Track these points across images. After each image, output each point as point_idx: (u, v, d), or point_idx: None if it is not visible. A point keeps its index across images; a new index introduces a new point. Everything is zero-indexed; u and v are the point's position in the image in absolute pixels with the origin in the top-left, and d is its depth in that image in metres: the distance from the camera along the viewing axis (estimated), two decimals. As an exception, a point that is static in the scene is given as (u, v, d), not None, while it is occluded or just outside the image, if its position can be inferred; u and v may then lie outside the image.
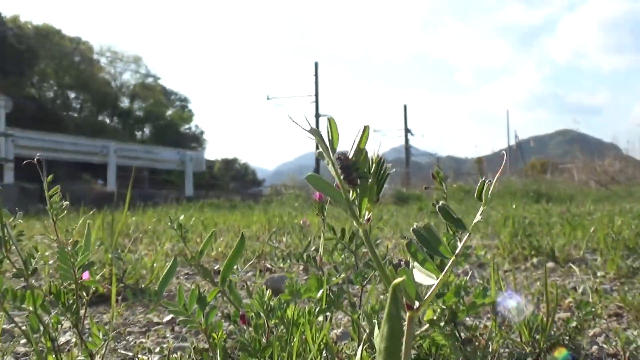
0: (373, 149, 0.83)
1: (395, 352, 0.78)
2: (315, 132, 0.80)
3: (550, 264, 4.79)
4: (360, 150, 0.80)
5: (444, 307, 1.90)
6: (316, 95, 50.26)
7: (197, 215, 11.20)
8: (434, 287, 0.79)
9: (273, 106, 51.25)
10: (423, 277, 0.80)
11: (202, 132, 74.08)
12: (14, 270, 1.86)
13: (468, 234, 0.82)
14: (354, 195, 0.81)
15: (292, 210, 12.82)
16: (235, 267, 2.11)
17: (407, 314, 0.80)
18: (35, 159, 1.83)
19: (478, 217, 0.80)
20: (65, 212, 2.02)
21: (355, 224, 0.83)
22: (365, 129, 0.80)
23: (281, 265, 5.05)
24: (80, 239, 1.85)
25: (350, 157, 0.81)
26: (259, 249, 5.61)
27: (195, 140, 70.37)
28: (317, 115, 48.66)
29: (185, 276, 4.76)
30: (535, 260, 4.97)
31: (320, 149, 0.81)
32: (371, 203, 0.81)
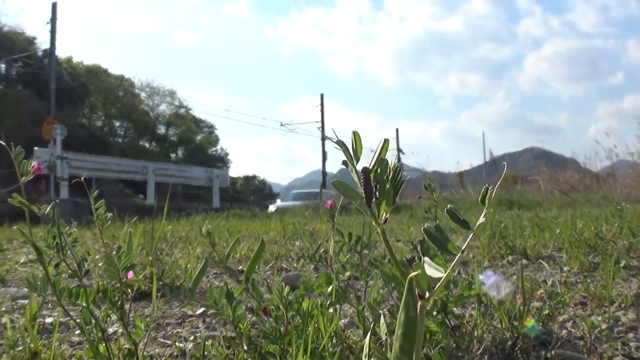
0: (391, 159, 0.81)
1: (410, 337, 0.77)
2: (341, 143, 0.79)
3: (523, 261, 4.77)
4: (382, 160, 0.79)
5: (436, 298, 1.89)
6: (322, 121, 50.38)
7: (224, 223, 11.20)
8: (442, 279, 0.77)
9: (286, 131, 51.68)
10: (433, 270, 0.78)
11: (227, 154, 74.27)
12: (70, 271, 1.84)
13: (472, 233, 0.80)
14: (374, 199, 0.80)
15: (303, 219, 12.82)
16: (257, 267, 2.09)
17: (419, 302, 0.78)
18: (82, 178, 1.82)
19: (482, 220, 0.78)
20: (111, 222, 2.00)
21: (374, 224, 0.81)
22: (385, 141, 0.79)
23: (295, 265, 5.02)
24: (124, 244, 1.83)
25: (371, 167, 0.80)
26: (276, 252, 5.60)
27: (221, 161, 70.52)
28: (324, 139, 48.77)
29: (214, 275, 4.74)
30: (510, 258, 4.96)
31: (346, 159, 0.80)
32: (389, 206, 0.79)
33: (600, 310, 3.06)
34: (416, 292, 0.78)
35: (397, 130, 63.16)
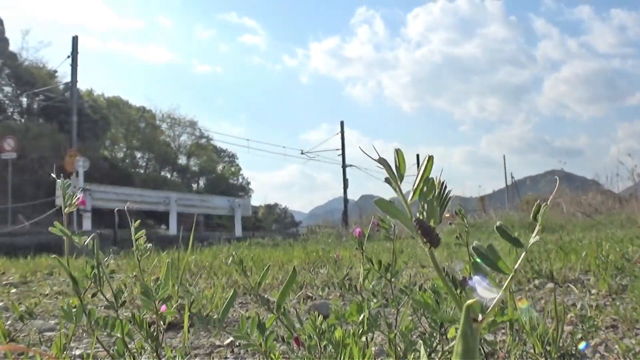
0: (436, 175, 0.81)
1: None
2: (383, 161, 0.78)
3: (550, 285, 4.74)
4: (427, 179, 0.78)
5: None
6: (342, 149, 50.38)
7: (247, 252, 11.20)
8: (495, 300, 0.77)
9: (307, 159, 51.72)
10: (484, 291, 0.77)
11: (248, 183, 74.38)
12: (105, 302, 1.85)
13: (525, 251, 0.80)
14: (421, 217, 0.79)
15: (325, 246, 12.79)
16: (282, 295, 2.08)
17: (475, 325, 0.77)
18: (116, 210, 1.83)
19: (535, 238, 0.77)
20: (133, 253, 2.01)
21: (422, 245, 0.80)
22: (430, 158, 0.78)
23: (321, 293, 5.00)
24: (160, 276, 1.83)
25: (415, 186, 0.79)
26: (301, 280, 5.58)
27: (242, 190, 70.61)
28: (344, 166, 48.79)
29: (239, 304, 4.73)
30: (537, 282, 4.93)
31: (389, 177, 0.79)
32: (435, 224, 0.78)
33: (632, 332, 3.03)
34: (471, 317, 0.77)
35: (417, 156, 62.93)
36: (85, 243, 1.81)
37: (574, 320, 3.23)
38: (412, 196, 0.79)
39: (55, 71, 49.99)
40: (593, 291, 4.34)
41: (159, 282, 1.74)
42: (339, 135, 51.07)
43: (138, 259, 1.90)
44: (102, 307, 4.00)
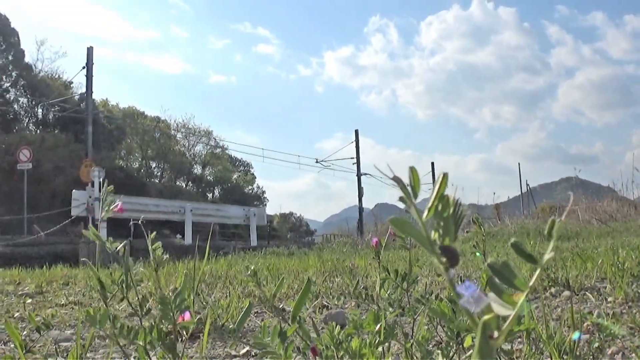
0: (451, 193, 0.81)
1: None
2: (398, 179, 0.79)
3: (566, 293, 4.72)
4: (442, 196, 0.79)
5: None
6: (357, 157, 50.38)
7: (262, 261, 11.22)
8: (511, 316, 0.77)
9: (321, 168, 51.73)
10: (500, 308, 0.77)
11: (263, 192, 74.51)
12: (130, 309, 1.87)
13: (539, 269, 0.80)
14: (436, 235, 0.79)
15: (341, 255, 12.79)
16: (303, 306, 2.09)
17: (491, 341, 0.77)
18: (140, 220, 1.84)
19: (550, 254, 0.78)
20: (153, 262, 2.02)
21: (436, 262, 0.80)
22: (445, 176, 0.79)
23: (336, 302, 5.00)
24: (179, 286, 1.85)
25: (430, 204, 0.80)
26: (316, 289, 5.59)
27: (258, 199, 70.72)
28: (359, 175, 48.83)
29: (255, 314, 4.75)
30: (553, 290, 4.90)
31: (403, 195, 0.80)
32: (451, 242, 0.79)
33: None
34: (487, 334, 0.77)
35: (432, 164, 62.92)
36: (117, 249, 1.83)
37: (591, 329, 3.22)
38: (427, 214, 0.79)
39: (71, 82, 50.32)
40: (609, 299, 4.32)
41: (176, 292, 1.75)
42: (354, 143, 51.10)
43: (155, 269, 1.91)
44: (125, 315, 4.02)
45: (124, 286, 1.88)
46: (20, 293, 7.01)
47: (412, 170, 0.81)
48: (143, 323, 1.85)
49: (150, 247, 1.91)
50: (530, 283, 0.79)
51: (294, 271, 8.32)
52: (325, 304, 5.00)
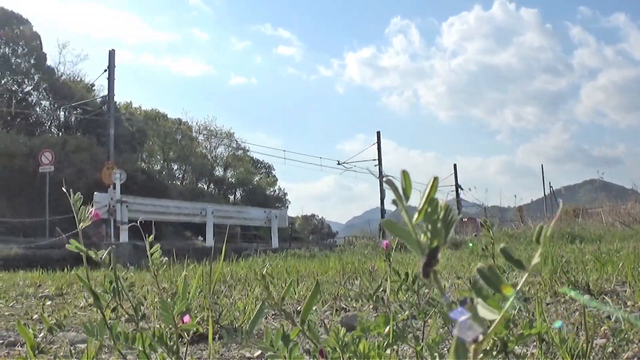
0: (441, 198, 0.81)
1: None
2: (390, 183, 0.79)
3: (585, 297, 4.67)
4: (432, 200, 0.78)
5: (496, 338, 1.86)
6: (379, 159, 50.43)
7: (282, 263, 11.23)
8: (496, 321, 0.76)
9: (343, 170, 51.85)
10: (486, 312, 0.77)
11: (285, 194, 74.67)
12: (126, 315, 1.86)
13: (527, 273, 0.79)
14: (426, 238, 0.78)
15: (362, 257, 12.77)
16: (314, 308, 2.08)
17: (473, 346, 0.76)
18: (138, 221, 1.85)
19: (536, 259, 0.77)
20: (170, 264, 2.02)
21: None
22: (435, 179, 0.78)
23: (354, 305, 4.99)
24: (180, 289, 1.85)
25: (420, 207, 0.79)
26: (335, 291, 5.57)
27: (279, 201, 70.83)
28: (381, 176, 48.81)
29: (273, 316, 4.74)
30: (572, 293, 4.85)
31: (395, 198, 0.80)
32: (441, 245, 0.78)
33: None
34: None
35: (454, 166, 62.79)
36: (102, 257, 1.83)
37: (608, 333, 3.18)
38: (417, 217, 0.79)
39: (93, 85, 50.72)
40: (629, 303, 4.28)
41: (177, 295, 1.75)
42: (376, 145, 51.12)
43: (155, 273, 1.92)
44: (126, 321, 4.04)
45: (115, 294, 1.87)
46: (40, 295, 7.06)
47: (404, 174, 0.81)
48: (140, 327, 1.86)
49: (148, 250, 1.91)
50: (518, 287, 0.78)
51: (315, 274, 8.32)
52: (344, 306, 4.99)
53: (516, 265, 0.80)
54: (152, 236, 1.94)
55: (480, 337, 0.76)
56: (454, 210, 0.81)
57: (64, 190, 2.04)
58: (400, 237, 0.79)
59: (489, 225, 2.10)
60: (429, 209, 0.79)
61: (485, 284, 0.79)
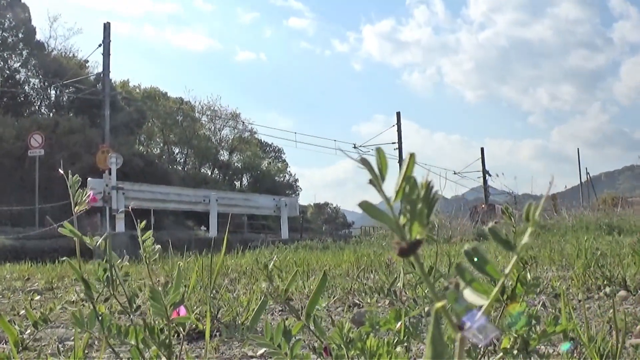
0: (422, 175, 0.82)
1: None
2: (365, 162, 0.80)
3: (622, 293, 4.66)
4: (409, 178, 0.79)
5: (516, 335, 1.87)
6: (399, 142, 50.38)
7: (292, 256, 11.24)
8: (484, 306, 0.78)
9: (360, 154, 51.90)
10: (475, 297, 0.78)
11: (296, 180, 74.51)
12: (120, 307, 1.89)
13: (517, 255, 0.81)
14: (405, 220, 0.80)
15: (379, 249, 12.77)
16: (321, 302, 2.10)
17: (459, 334, 0.78)
18: (130, 208, 1.86)
19: (526, 239, 0.78)
20: (168, 256, 2.04)
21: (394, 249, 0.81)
22: (412, 156, 0.80)
23: (368, 300, 5.01)
24: (174, 279, 1.86)
25: (397, 186, 0.81)
26: (349, 286, 5.59)
27: (290, 188, 70.71)
28: (401, 161, 48.75)
29: (279, 312, 4.76)
30: (607, 289, 4.85)
31: (372, 178, 0.81)
32: (422, 227, 0.79)
33: None
34: (455, 323, 0.77)
35: (482, 149, 62.51)
36: (98, 244, 1.85)
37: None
38: (395, 197, 0.80)
39: (86, 61, 50.71)
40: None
41: (170, 286, 1.76)
42: (395, 127, 51.03)
43: (147, 263, 1.94)
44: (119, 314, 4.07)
45: (109, 284, 1.89)
46: (28, 289, 7.10)
47: (379, 152, 0.82)
48: (134, 320, 1.88)
49: (140, 238, 1.93)
50: (507, 270, 0.79)
51: (326, 267, 8.32)
52: (357, 302, 5.00)
53: (504, 245, 0.82)
54: (143, 222, 1.95)
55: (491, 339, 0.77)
56: (436, 189, 0.82)
57: (59, 172, 2.06)
58: (378, 219, 0.81)
59: (510, 212, 2.11)
60: (407, 188, 0.80)
61: (472, 266, 0.80)
